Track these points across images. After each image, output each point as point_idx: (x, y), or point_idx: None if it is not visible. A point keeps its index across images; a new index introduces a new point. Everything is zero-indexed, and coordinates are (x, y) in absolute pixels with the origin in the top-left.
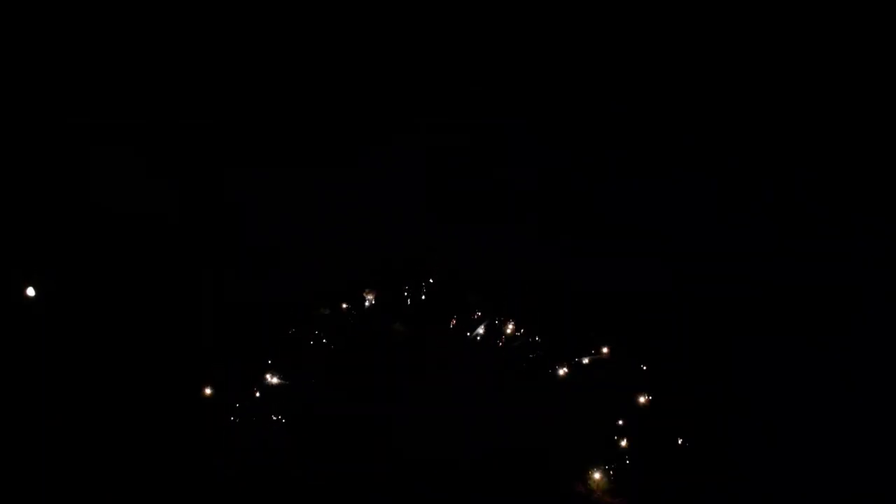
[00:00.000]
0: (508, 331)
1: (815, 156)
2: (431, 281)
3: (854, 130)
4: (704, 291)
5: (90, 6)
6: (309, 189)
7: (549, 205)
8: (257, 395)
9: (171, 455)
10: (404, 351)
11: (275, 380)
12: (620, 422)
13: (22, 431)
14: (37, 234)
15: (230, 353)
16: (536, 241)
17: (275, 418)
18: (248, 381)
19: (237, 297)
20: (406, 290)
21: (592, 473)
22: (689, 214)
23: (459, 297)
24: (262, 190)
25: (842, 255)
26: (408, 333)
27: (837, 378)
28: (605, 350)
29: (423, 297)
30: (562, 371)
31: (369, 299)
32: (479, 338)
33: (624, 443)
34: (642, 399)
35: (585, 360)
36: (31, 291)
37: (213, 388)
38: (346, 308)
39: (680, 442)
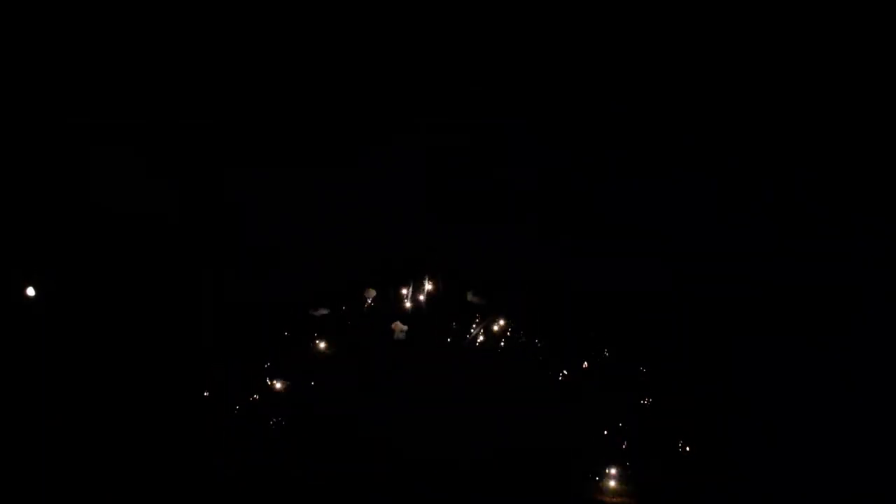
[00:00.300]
0: (508, 332)
1: (815, 156)
2: (431, 281)
3: (854, 130)
4: (704, 291)
5: (90, 6)
6: (309, 189)
7: (549, 205)
8: (257, 395)
9: (171, 455)
10: (404, 351)
11: (275, 380)
12: (621, 423)
13: (22, 431)
14: (37, 234)
15: (230, 353)
16: (536, 241)
17: (275, 418)
18: (248, 381)
19: (237, 297)
20: (406, 290)
21: (595, 475)
22: (689, 214)
23: (459, 297)
24: (262, 190)
25: (842, 255)
26: (408, 333)
27: (837, 378)
28: (605, 352)
29: (423, 298)
30: (562, 372)
31: (369, 299)
32: (479, 338)
33: (624, 444)
34: (642, 400)
35: (585, 364)
36: (31, 291)
37: (213, 388)
38: (346, 308)
39: (680, 442)
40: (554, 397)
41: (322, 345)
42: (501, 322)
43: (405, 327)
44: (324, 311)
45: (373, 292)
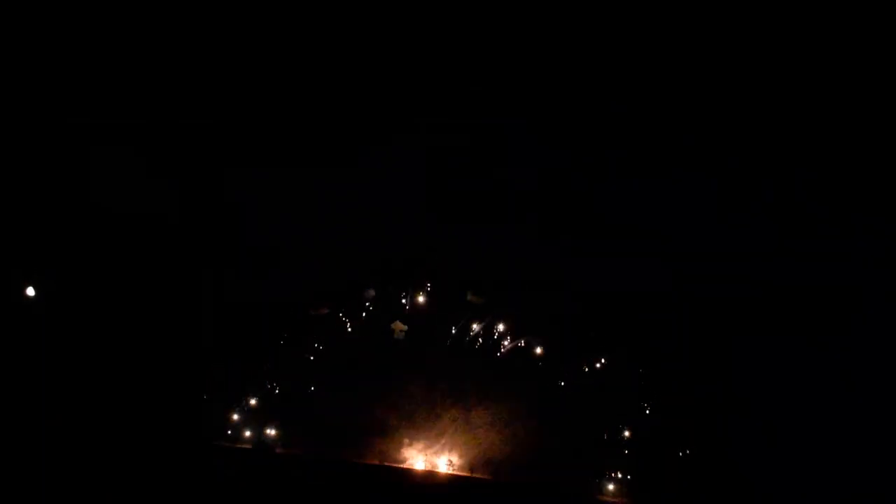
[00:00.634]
0: (509, 333)
1: (815, 156)
2: (431, 281)
3: (854, 130)
4: (704, 291)
5: (90, 6)
6: (309, 189)
7: (549, 205)
8: (256, 395)
9: (171, 455)
10: (404, 351)
11: (274, 379)
12: (621, 424)
13: (22, 431)
14: (37, 234)
15: (230, 352)
16: (536, 241)
17: (275, 418)
18: (247, 380)
19: (237, 297)
20: (406, 290)
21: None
22: (689, 214)
23: (459, 297)
24: (262, 190)
25: (842, 255)
26: (408, 333)
27: (837, 378)
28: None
29: (423, 297)
30: (562, 372)
31: (369, 299)
32: (479, 340)
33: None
34: (643, 400)
35: (586, 368)
36: (31, 291)
37: (212, 388)
38: (346, 308)
39: (680, 442)
40: (554, 398)
41: (322, 345)
42: (502, 322)
43: (405, 327)
44: (324, 311)
45: (373, 292)
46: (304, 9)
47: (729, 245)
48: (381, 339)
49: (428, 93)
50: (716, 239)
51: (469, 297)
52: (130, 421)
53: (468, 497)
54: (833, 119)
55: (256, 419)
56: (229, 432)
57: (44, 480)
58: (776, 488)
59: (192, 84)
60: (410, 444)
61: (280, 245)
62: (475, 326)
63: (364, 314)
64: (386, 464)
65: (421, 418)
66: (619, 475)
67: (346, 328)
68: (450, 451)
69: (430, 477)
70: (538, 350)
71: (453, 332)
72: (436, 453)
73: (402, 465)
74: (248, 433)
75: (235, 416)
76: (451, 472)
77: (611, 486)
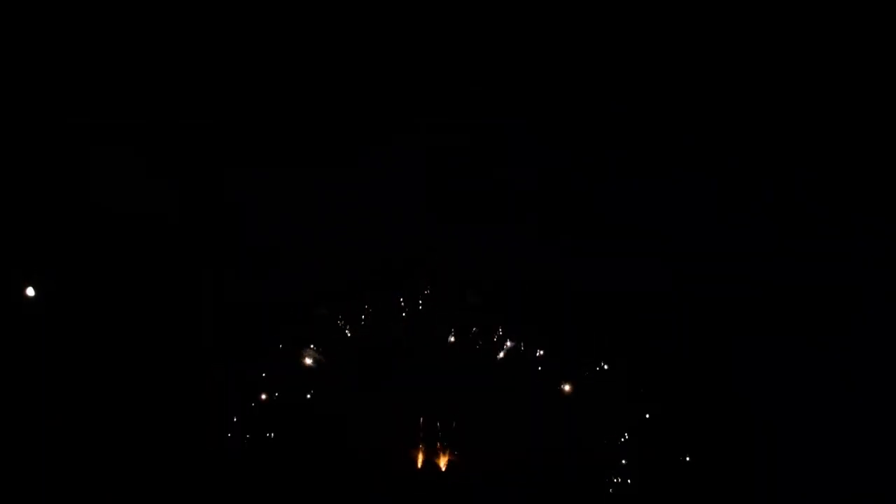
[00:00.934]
0: (509, 333)
1: (815, 156)
2: (431, 281)
3: (854, 130)
4: (704, 291)
5: (90, 6)
6: (309, 189)
7: (549, 205)
8: (256, 395)
9: (171, 455)
10: (404, 352)
11: (274, 380)
12: (621, 425)
13: (22, 431)
14: (37, 234)
15: (230, 353)
16: (536, 241)
17: (275, 419)
18: (247, 380)
19: (237, 297)
20: (406, 291)
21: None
22: (689, 214)
23: (459, 297)
24: (262, 190)
25: (842, 255)
26: (407, 334)
27: (837, 378)
28: (605, 353)
29: (423, 298)
30: (562, 373)
31: (369, 299)
32: (479, 341)
33: (625, 443)
34: (643, 401)
35: (585, 368)
36: (31, 291)
37: (212, 388)
38: (346, 308)
39: (680, 442)
40: (554, 398)
41: (321, 345)
42: (502, 322)
43: (403, 328)
44: (324, 311)
45: (372, 293)
46: (303, 9)
47: (729, 245)
48: (381, 339)
49: (428, 93)
50: (716, 239)
51: (469, 298)
52: (130, 421)
53: (468, 497)
54: (833, 119)
55: (256, 419)
56: (229, 432)
57: (44, 480)
58: (776, 488)
59: (192, 84)
60: (410, 445)
61: (280, 245)
62: (475, 326)
63: (364, 314)
64: (386, 464)
65: (421, 418)
66: (619, 475)
67: (346, 328)
68: (450, 451)
69: (429, 477)
70: (538, 350)
71: (453, 332)
72: (436, 454)
73: (401, 466)
74: (248, 433)
75: (235, 417)
76: (450, 472)
77: (611, 487)
